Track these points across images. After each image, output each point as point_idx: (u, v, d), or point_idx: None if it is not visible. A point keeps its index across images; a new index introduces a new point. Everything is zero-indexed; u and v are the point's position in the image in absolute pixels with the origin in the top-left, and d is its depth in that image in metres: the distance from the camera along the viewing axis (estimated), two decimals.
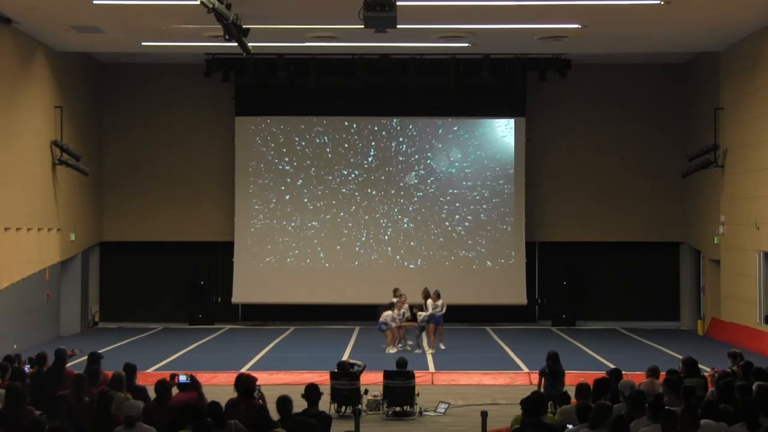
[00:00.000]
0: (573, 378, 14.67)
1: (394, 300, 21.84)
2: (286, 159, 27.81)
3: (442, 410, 14.79)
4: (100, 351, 13.77)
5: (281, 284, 27.45)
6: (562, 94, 27.69)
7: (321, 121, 27.85)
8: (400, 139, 27.78)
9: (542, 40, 22.72)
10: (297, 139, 27.85)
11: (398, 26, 16.46)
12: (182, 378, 11.56)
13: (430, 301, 21.74)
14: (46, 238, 23.81)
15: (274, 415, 9.64)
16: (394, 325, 21.52)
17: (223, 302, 28.16)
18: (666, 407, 9.47)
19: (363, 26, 16.28)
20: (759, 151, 22.38)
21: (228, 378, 15.76)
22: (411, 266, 27.49)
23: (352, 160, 27.77)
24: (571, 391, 11.69)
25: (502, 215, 27.63)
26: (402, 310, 21.60)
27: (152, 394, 11.12)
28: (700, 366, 13.20)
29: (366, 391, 14.73)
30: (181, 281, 28.11)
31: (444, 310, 21.76)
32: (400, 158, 27.73)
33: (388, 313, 21.59)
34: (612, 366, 14.86)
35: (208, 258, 28.20)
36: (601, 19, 20.71)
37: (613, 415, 9.14)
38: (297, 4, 19.20)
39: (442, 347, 21.78)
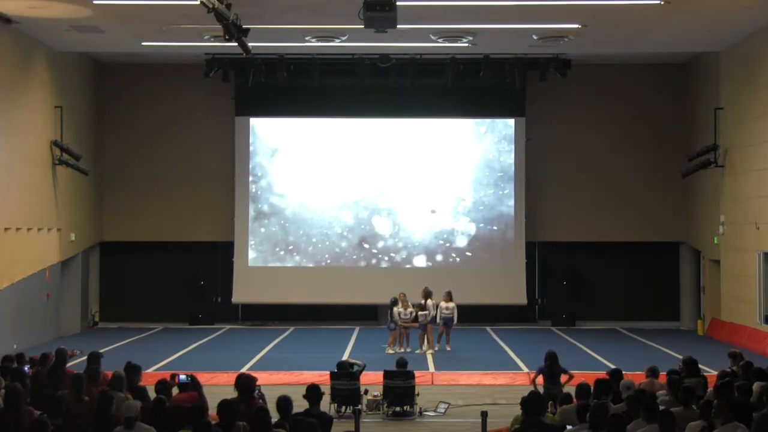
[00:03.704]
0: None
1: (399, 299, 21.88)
2: (286, 159, 27.81)
3: (442, 410, 14.79)
4: (100, 351, 13.76)
5: (281, 284, 27.45)
6: (562, 94, 27.68)
7: (321, 121, 27.85)
8: (400, 140, 27.76)
9: (542, 40, 22.72)
10: (297, 139, 27.85)
11: (398, 26, 16.46)
12: (182, 378, 11.55)
13: (442, 303, 21.70)
14: (46, 238, 23.81)
15: (274, 415, 9.63)
16: (400, 323, 21.52)
17: (223, 302, 28.16)
18: (662, 408, 9.47)
19: (363, 26, 16.29)
20: (759, 151, 22.37)
21: (228, 378, 15.76)
22: (411, 266, 27.48)
23: (351, 159, 27.76)
24: (572, 392, 11.69)
25: (502, 215, 27.63)
26: (409, 310, 21.57)
27: (152, 394, 11.12)
28: (700, 366, 13.20)
29: (366, 391, 14.72)
30: (181, 281, 28.10)
31: (455, 313, 21.75)
32: (400, 158, 27.72)
33: (396, 309, 21.59)
34: (612, 366, 14.87)
35: (208, 258, 28.21)
36: (601, 19, 20.70)
37: (613, 414, 9.13)
38: (297, 4, 19.20)
39: (448, 349, 21.77)
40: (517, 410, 10.27)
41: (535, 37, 22.51)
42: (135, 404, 10.25)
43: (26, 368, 12.67)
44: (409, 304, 21.63)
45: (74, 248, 26.00)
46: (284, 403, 9.64)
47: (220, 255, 28.23)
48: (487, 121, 27.79)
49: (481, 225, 27.64)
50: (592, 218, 28.17)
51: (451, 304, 21.76)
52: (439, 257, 27.61)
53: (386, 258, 27.66)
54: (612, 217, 28.11)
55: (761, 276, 22.32)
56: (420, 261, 27.60)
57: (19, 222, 22.07)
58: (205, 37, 22.16)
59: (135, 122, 28.24)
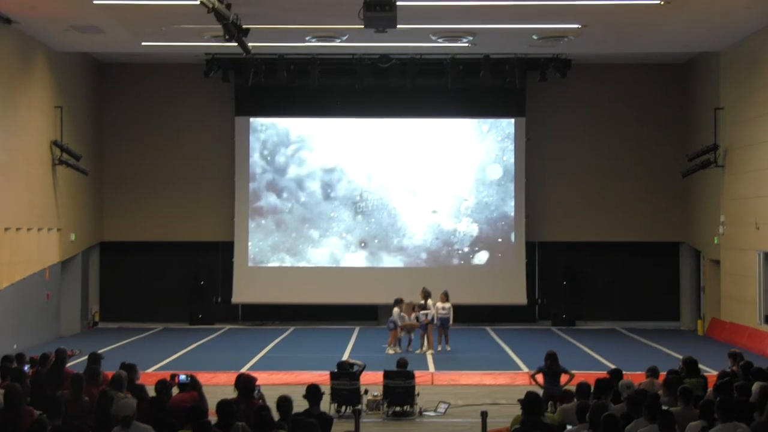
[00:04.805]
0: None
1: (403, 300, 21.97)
2: (286, 159, 27.82)
3: (442, 410, 14.78)
4: (100, 351, 13.78)
5: (281, 284, 27.46)
6: (562, 94, 27.68)
7: (321, 121, 27.87)
8: (400, 140, 27.77)
9: (542, 40, 22.72)
10: (297, 139, 27.87)
11: (398, 26, 16.46)
12: (182, 378, 11.56)
13: (439, 303, 21.71)
14: (46, 238, 23.81)
15: (274, 415, 9.63)
16: (400, 323, 21.60)
17: (223, 302, 28.15)
18: (663, 408, 9.47)
19: (363, 26, 16.29)
20: (759, 151, 22.38)
21: (228, 378, 15.76)
22: (412, 266, 27.49)
23: (352, 159, 27.77)
24: (573, 391, 11.70)
25: (502, 215, 27.63)
26: (413, 315, 21.62)
27: (152, 395, 11.13)
28: (700, 366, 13.21)
29: (366, 391, 14.72)
30: (181, 281, 28.10)
31: (451, 313, 21.75)
32: (400, 158, 27.72)
33: (396, 310, 21.68)
34: (612, 366, 14.87)
35: (208, 258, 28.19)
36: (601, 19, 20.71)
37: (607, 414, 9.13)
38: (297, 4, 19.20)
39: (448, 349, 21.75)
40: (517, 410, 10.27)
41: (535, 37, 22.51)
42: (131, 402, 10.21)
43: (26, 368, 12.69)
44: (412, 311, 21.63)
45: (74, 248, 26.00)
46: (284, 403, 9.65)
47: (220, 255, 28.23)
48: (490, 119, 27.80)
49: (482, 225, 27.65)
50: (592, 218, 28.17)
51: (447, 305, 21.75)
52: (439, 257, 27.61)
53: (386, 258, 27.65)
54: (612, 217, 28.10)
55: (761, 276, 22.32)
56: (420, 261, 27.61)
57: (19, 222, 22.07)
58: (205, 37, 22.16)
59: (135, 122, 28.24)
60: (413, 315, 21.64)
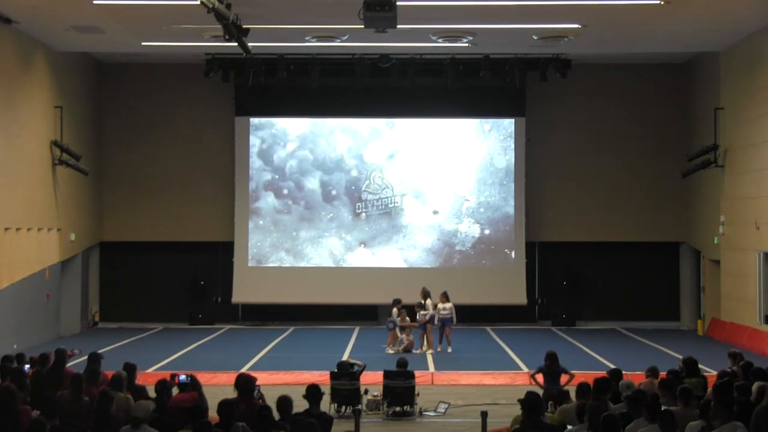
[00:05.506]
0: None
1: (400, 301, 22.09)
2: (286, 159, 27.82)
3: (442, 410, 14.79)
4: (100, 351, 13.78)
5: (281, 284, 27.45)
6: (562, 94, 27.68)
7: (321, 121, 27.87)
8: (400, 140, 27.78)
9: (542, 40, 22.72)
10: (297, 139, 27.87)
11: (398, 26, 16.47)
12: (182, 378, 11.56)
13: (439, 305, 21.68)
14: (46, 238, 23.81)
15: (274, 414, 9.63)
16: (399, 321, 21.64)
17: (223, 302, 28.15)
18: (663, 407, 9.47)
19: (363, 26, 16.30)
20: (759, 151, 22.38)
21: (228, 378, 15.76)
22: (412, 266, 27.48)
23: (351, 160, 27.78)
24: (572, 392, 11.69)
25: (502, 215, 27.63)
26: (407, 318, 21.70)
27: (152, 394, 11.13)
28: (700, 366, 13.21)
29: (366, 391, 14.72)
30: (181, 281, 28.10)
31: (453, 313, 21.74)
32: (400, 159, 27.73)
33: (395, 310, 21.72)
34: (612, 366, 14.85)
35: (208, 258, 28.19)
36: (601, 19, 20.71)
37: (607, 414, 9.13)
38: (297, 4, 19.21)
39: (449, 350, 21.72)
40: (517, 410, 10.27)
41: (535, 37, 22.51)
42: (147, 405, 10.15)
43: (26, 368, 12.68)
44: (407, 318, 21.75)
45: (74, 248, 26.00)
46: (284, 403, 9.65)
47: (220, 255, 28.22)
48: (487, 120, 27.78)
49: (484, 225, 27.64)
50: (592, 218, 28.16)
51: (448, 305, 21.73)
52: (439, 257, 27.60)
53: (387, 258, 27.64)
54: (612, 217, 28.10)
55: (761, 276, 22.32)
56: (420, 261, 27.59)
57: (19, 222, 22.07)
58: (205, 37, 22.17)
59: (135, 122, 28.24)
60: (407, 318, 21.73)
